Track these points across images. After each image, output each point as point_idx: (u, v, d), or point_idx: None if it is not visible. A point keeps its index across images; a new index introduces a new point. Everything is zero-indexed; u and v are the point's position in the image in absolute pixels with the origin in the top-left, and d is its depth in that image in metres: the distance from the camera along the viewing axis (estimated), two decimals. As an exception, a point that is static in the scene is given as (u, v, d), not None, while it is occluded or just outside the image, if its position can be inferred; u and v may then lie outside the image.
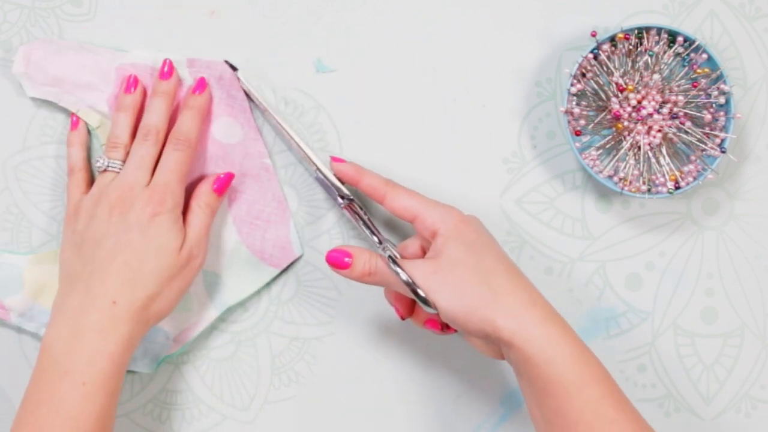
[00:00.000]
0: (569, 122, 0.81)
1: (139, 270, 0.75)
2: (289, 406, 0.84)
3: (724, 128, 0.81)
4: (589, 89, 0.82)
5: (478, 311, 0.72)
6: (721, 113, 0.81)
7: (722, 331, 0.85)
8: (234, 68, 0.82)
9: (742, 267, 0.85)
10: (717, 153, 0.81)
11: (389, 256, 0.75)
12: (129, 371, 0.82)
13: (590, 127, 0.82)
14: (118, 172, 0.78)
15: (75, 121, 0.82)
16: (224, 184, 0.81)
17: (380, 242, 0.78)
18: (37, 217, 0.83)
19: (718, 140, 0.81)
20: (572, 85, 0.81)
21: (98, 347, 0.73)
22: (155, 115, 0.80)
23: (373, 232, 0.79)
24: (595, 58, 0.81)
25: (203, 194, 0.80)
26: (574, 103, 0.82)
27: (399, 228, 0.84)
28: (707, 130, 0.81)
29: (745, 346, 0.85)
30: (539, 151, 0.84)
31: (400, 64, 0.84)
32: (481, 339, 0.75)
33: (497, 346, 0.74)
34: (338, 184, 0.81)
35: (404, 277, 0.74)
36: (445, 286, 0.73)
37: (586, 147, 0.82)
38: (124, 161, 0.79)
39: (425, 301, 0.73)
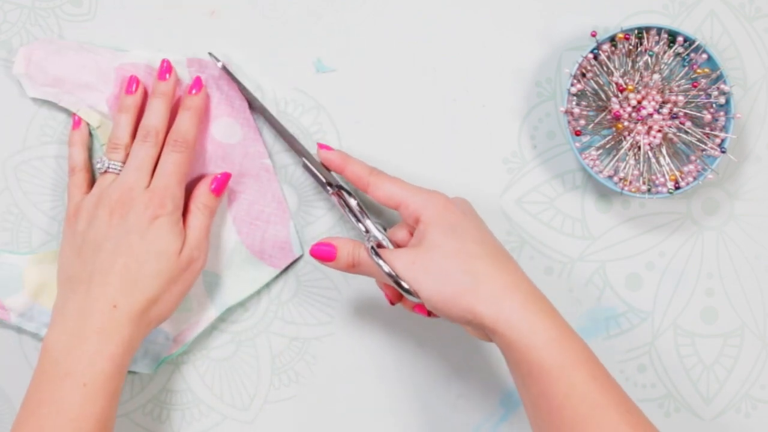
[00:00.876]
0: (569, 122, 0.81)
1: (139, 273, 0.75)
2: (289, 406, 0.84)
3: (724, 128, 0.81)
4: (589, 89, 0.82)
5: (460, 298, 0.71)
6: (721, 113, 0.81)
7: (722, 331, 0.85)
8: (217, 60, 0.82)
9: (742, 267, 0.85)
10: (717, 153, 0.81)
11: (371, 247, 0.75)
12: (129, 372, 0.82)
13: (590, 127, 0.81)
14: (118, 174, 0.78)
15: (77, 120, 0.82)
16: (221, 184, 0.81)
17: (366, 231, 0.78)
18: (37, 217, 0.83)
19: (718, 140, 0.81)
20: (572, 85, 0.81)
21: (99, 349, 0.73)
22: (154, 116, 0.79)
23: (359, 220, 0.79)
24: (595, 58, 0.81)
25: (201, 195, 0.80)
26: (574, 103, 0.81)
27: (395, 212, 0.83)
28: (707, 130, 0.81)
29: (745, 346, 0.85)
30: (539, 151, 0.84)
31: (400, 64, 0.84)
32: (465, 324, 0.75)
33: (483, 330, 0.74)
34: (325, 171, 0.81)
35: (386, 269, 0.73)
36: (426, 275, 0.72)
37: (586, 147, 0.82)
38: (124, 162, 0.79)
39: (408, 291, 0.73)
